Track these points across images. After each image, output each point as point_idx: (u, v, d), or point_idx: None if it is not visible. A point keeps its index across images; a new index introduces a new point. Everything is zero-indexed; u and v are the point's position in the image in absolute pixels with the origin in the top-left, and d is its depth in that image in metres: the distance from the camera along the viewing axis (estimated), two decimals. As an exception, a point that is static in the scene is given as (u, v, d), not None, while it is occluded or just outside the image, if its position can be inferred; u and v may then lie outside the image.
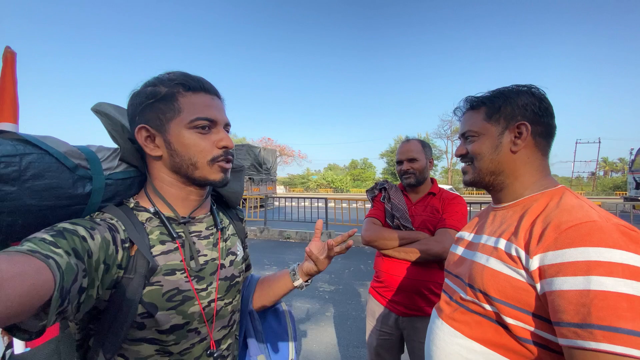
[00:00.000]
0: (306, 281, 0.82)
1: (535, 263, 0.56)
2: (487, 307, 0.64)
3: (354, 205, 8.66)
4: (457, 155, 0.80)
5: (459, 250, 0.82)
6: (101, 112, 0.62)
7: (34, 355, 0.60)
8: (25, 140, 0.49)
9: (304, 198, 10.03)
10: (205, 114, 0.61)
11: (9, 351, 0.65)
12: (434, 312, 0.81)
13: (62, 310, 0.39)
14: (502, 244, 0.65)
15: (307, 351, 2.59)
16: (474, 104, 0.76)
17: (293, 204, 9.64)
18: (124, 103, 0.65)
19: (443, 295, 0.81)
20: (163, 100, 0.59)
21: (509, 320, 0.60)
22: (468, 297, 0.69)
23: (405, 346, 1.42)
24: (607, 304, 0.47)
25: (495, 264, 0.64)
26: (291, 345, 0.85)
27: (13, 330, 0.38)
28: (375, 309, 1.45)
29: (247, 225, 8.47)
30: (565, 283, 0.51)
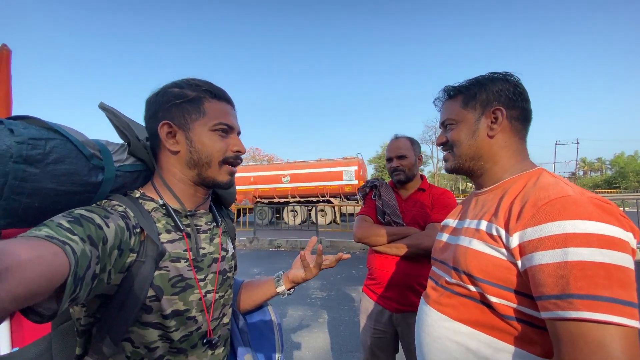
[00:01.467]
0: (289, 289, 0.87)
1: (515, 240, 0.57)
2: (472, 287, 0.65)
3: (344, 210, 8.68)
4: (437, 144, 0.82)
5: (444, 237, 0.83)
6: (108, 109, 0.65)
7: (21, 354, 0.59)
8: (49, 127, 0.52)
9: (295, 204, 9.98)
10: (226, 120, 0.67)
11: None
12: (421, 299, 0.82)
13: (75, 296, 0.40)
14: (484, 225, 0.66)
15: (301, 357, 2.52)
16: (452, 93, 0.78)
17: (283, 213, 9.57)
18: (121, 102, 0.68)
19: (429, 282, 0.81)
20: (190, 102, 0.65)
21: (492, 299, 0.61)
22: (453, 280, 0.70)
23: (400, 345, 1.41)
24: (584, 274, 0.48)
25: (477, 244, 0.65)
26: (277, 344, 0.87)
27: (27, 313, 0.39)
28: (368, 307, 1.44)
29: (236, 235, 8.39)
30: (544, 257, 0.52)
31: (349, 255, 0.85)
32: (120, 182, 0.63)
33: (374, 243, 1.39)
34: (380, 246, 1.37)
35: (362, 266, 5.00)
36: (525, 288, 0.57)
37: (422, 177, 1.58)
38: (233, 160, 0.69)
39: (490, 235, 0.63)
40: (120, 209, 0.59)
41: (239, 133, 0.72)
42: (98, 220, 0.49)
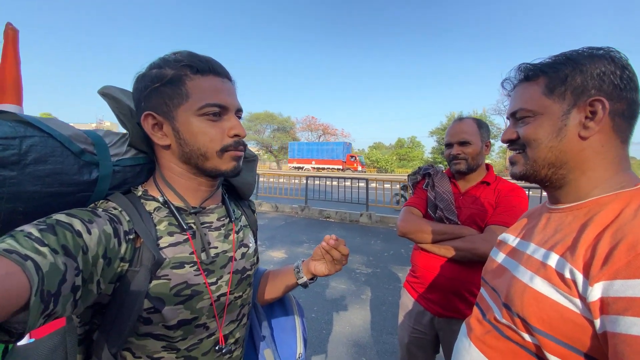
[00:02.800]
0: (311, 279, 0.78)
1: (596, 292, 0.42)
2: (527, 336, 0.51)
3: (397, 186, 8.32)
4: (504, 141, 0.63)
5: (500, 257, 0.67)
6: (108, 95, 0.59)
7: (37, 347, 0.59)
8: (27, 122, 0.46)
9: (345, 178, 9.92)
10: (215, 99, 0.56)
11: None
12: (463, 327, 0.69)
13: (50, 312, 0.37)
14: (554, 260, 0.50)
15: (339, 332, 2.60)
16: (530, 74, 0.58)
17: (334, 183, 9.63)
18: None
19: (475, 311, 0.68)
20: (169, 84, 0.55)
21: (552, 358, 0.48)
22: (504, 321, 0.56)
23: (440, 347, 1.31)
24: None
25: (541, 285, 0.50)
26: (299, 338, 0.82)
27: None
28: (408, 304, 1.34)
29: (289, 203, 8.74)
30: (636, 325, 0.38)
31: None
32: (121, 178, 0.57)
33: (420, 240, 1.24)
34: (427, 244, 1.23)
35: (412, 245, 4.83)
36: (601, 354, 0.44)
37: (487, 167, 1.33)
38: (234, 147, 0.59)
39: (562, 277, 0.47)
40: (114, 211, 0.53)
41: (238, 110, 0.61)
42: (78, 226, 0.44)
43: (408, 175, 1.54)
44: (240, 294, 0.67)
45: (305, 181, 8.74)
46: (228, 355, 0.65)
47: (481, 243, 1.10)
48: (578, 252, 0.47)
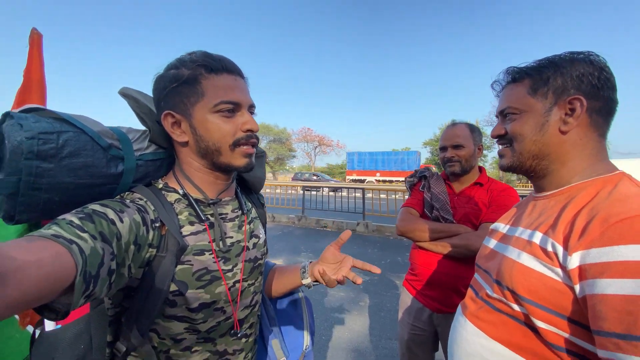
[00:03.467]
0: (315, 281, 0.81)
1: (574, 261, 0.48)
2: (516, 307, 0.57)
3: (393, 196, 8.41)
4: (493, 136, 0.70)
5: (491, 243, 0.74)
6: (128, 95, 0.64)
7: (64, 332, 0.62)
8: (62, 119, 0.50)
9: (342, 188, 9.98)
10: (229, 97, 0.59)
11: (39, 329, 0.67)
12: (458, 308, 0.75)
13: (90, 293, 0.40)
14: (538, 237, 0.57)
15: (339, 338, 2.60)
16: (517, 76, 0.66)
17: (330, 193, 9.68)
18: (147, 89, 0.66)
19: (469, 291, 0.74)
20: (186, 83, 0.58)
21: (539, 324, 0.53)
22: (495, 295, 0.62)
23: (440, 344, 1.35)
24: None
25: (527, 259, 0.56)
26: (306, 332, 0.85)
27: (41, 311, 0.39)
28: (408, 302, 1.39)
29: (285, 212, 8.69)
30: (610, 286, 0.44)
31: (378, 270, 0.77)
32: (143, 171, 0.61)
33: (418, 239, 1.30)
34: (425, 242, 1.29)
35: (408, 254, 4.87)
36: (582, 317, 0.49)
37: (480, 169, 1.41)
38: (246, 141, 0.62)
39: (545, 251, 0.54)
40: (141, 202, 0.57)
41: (251, 107, 0.64)
42: (111, 215, 0.48)
43: (405, 179, 1.61)
44: (253, 281, 0.71)
45: (302, 191, 8.78)
46: (244, 340, 0.68)
47: (475, 240, 1.16)
48: (558, 228, 0.53)
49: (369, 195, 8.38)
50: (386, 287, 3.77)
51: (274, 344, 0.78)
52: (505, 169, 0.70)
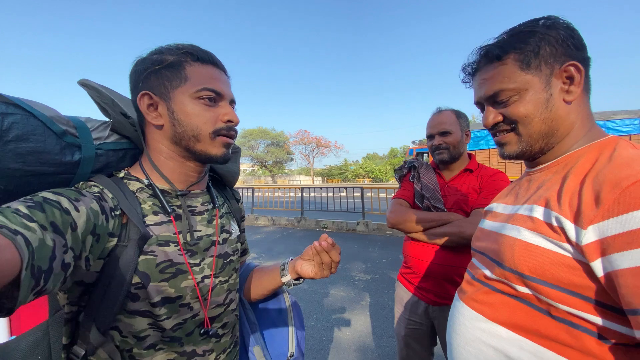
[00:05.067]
0: (296, 279, 0.77)
1: (591, 235, 0.44)
2: (519, 287, 0.53)
3: (393, 194, 8.39)
4: (489, 125, 0.62)
5: (487, 224, 0.69)
6: (89, 85, 0.61)
7: (17, 343, 0.56)
8: (9, 101, 0.47)
9: (341, 188, 9.94)
10: (212, 85, 0.59)
11: None
12: (455, 295, 0.71)
13: (41, 289, 0.37)
14: (539, 211, 0.53)
15: (340, 338, 2.55)
16: (499, 53, 0.57)
17: (329, 194, 9.65)
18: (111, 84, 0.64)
19: (466, 275, 0.70)
20: (169, 67, 0.57)
21: (549, 301, 0.49)
22: (494, 276, 0.58)
23: (437, 337, 1.30)
24: None
25: (529, 236, 0.52)
26: (291, 338, 0.80)
27: None
28: (403, 296, 1.34)
29: (285, 215, 8.66)
30: (636, 257, 0.39)
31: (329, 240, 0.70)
32: (104, 161, 0.59)
33: (409, 230, 1.26)
34: (416, 233, 1.25)
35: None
36: (598, 294, 0.45)
37: (470, 155, 1.37)
38: (226, 132, 0.61)
39: (550, 225, 0.50)
40: (96, 189, 0.54)
41: (232, 102, 0.64)
42: (65, 204, 0.45)
43: (395, 170, 1.57)
44: (226, 278, 0.68)
45: (300, 193, 8.74)
46: (215, 340, 0.64)
47: (468, 226, 1.12)
48: (563, 201, 0.49)
49: (367, 194, 8.34)
50: (387, 285, 3.72)
51: (256, 350, 0.74)
52: (512, 157, 0.62)
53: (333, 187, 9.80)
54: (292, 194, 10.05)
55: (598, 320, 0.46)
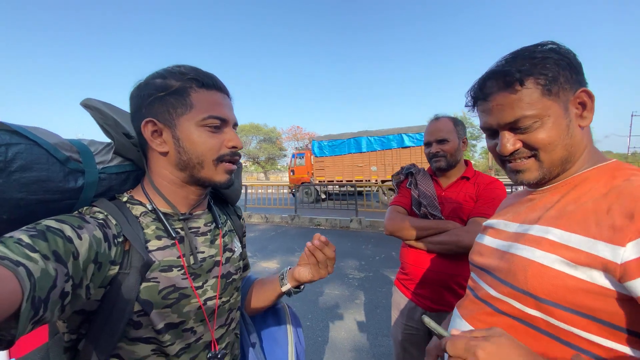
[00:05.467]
0: (296, 287, 0.77)
1: (631, 253, 0.43)
2: (529, 310, 0.53)
3: (385, 191, 8.44)
4: (507, 152, 0.59)
5: (489, 240, 0.69)
6: (91, 106, 0.60)
7: None
8: (12, 130, 0.47)
9: (334, 185, 9.97)
10: (218, 112, 0.59)
11: None
12: (455, 310, 0.71)
13: (39, 318, 0.37)
14: (556, 234, 0.53)
15: (335, 338, 2.58)
16: (520, 78, 0.55)
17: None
18: (114, 100, 0.64)
19: (467, 292, 0.70)
20: (175, 94, 0.57)
21: (564, 327, 0.49)
22: (499, 295, 0.58)
23: (434, 342, 1.33)
24: None
25: (544, 257, 0.53)
26: (291, 351, 0.81)
27: None
28: (400, 301, 1.36)
29: (278, 212, 8.65)
30: None
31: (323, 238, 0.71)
32: (106, 185, 0.58)
33: (407, 237, 1.28)
34: (414, 241, 1.26)
35: (403, 248, 4.92)
36: (608, 315, 0.46)
37: (466, 163, 1.39)
38: (230, 158, 0.62)
39: (567, 248, 0.50)
40: (101, 216, 0.54)
41: (235, 125, 0.64)
42: (68, 232, 0.44)
43: (392, 176, 1.58)
44: (228, 298, 0.68)
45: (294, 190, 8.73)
46: None
47: (465, 235, 1.14)
48: (587, 222, 0.50)
49: (360, 190, 8.39)
50: (381, 283, 3.77)
51: None
52: (530, 184, 0.62)
53: (327, 184, 9.81)
54: (285, 191, 10.03)
55: (614, 345, 0.46)
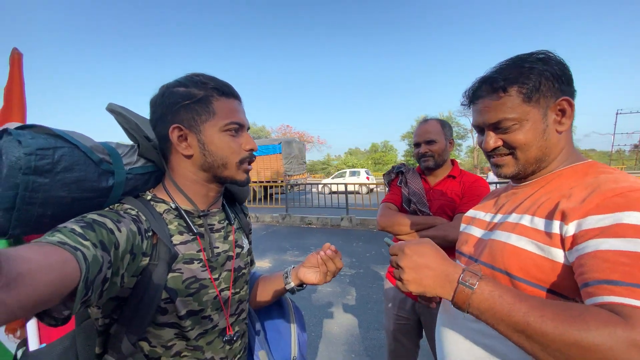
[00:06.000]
0: (299, 286, 0.83)
1: (572, 228, 0.52)
2: None
3: (375, 189, 8.57)
4: (489, 150, 0.68)
5: (473, 230, 0.78)
6: (116, 111, 0.65)
7: (49, 351, 0.62)
8: (57, 135, 0.52)
9: (325, 184, 10.03)
10: (237, 119, 0.66)
11: (21, 349, 0.66)
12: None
13: (86, 299, 0.41)
14: (526, 219, 0.61)
15: (328, 333, 2.65)
16: (504, 86, 0.63)
17: (314, 189, 9.72)
18: (126, 103, 0.68)
19: None
20: (199, 102, 0.62)
21: None
22: None
23: (423, 331, 1.41)
24: None
25: (517, 240, 0.61)
26: (294, 342, 0.87)
27: (42, 316, 0.40)
28: (391, 293, 1.44)
29: (269, 212, 8.64)
30: (604, 244, 0.47)
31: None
32: (132, 184, 0.63)
33: (397, 232, 1.36)
34: (404, 236, 1.34)
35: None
36: (566, 289, 0.53)
37: (453, 162, 1.48)
38: (249, 160, 0.69)
39: (535, 230, 0.58)
40: (133, 212, 0.59)
41: (248, 128, 0.71)
42: (110, 224, 0.49)
43: (383, 175, 1.66)
44: (238, 290, 0.73)
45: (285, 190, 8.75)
46: (229, 347, 0.70)
47: (451, 230, 1.23)
48: (549, 206, 0.58)
49: (351, 189, 8.50)
50: (372, 279, 3.87)
51: (261, 355, 0.80)
52: (507, 177, 0.71)
53: (317, 184, 9.87)
54: (275, 190, 10.03)
55: None
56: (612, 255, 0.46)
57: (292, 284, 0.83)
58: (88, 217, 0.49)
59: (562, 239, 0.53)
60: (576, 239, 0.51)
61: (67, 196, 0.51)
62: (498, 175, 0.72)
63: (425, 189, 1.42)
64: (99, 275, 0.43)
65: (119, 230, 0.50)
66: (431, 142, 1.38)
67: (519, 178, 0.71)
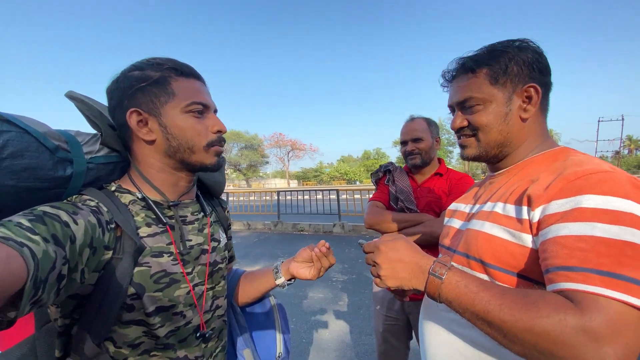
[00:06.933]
0: (289, 280, 0.81)
1: (537, 215, 0.52)
2: (479, 274, 0.61)
3: (367, 195, 8.58)
4: (456, 128, 0.70)
5: (454, 222, 0.77)
6: (77, 98, 0.61)
7: (4, 358, 0.57)
8: (3, 118, 0.47)
9: (317, 191, 10.02)
10: (199, 98, 0.62)
11: None
12: None
13: (37, 299, 0.37)
14: (499, 207, 0.61)
15: (320, 339, 2.60)
16: (473, 66, 0.65)
17: (306, 197, 9.68)
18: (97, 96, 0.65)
19: None
20: (156, 84, 0.59)
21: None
22: (459, 267, 0.65)
23: (413, 332, 1.39)
24: (609, 251, 0.43)
25: (490, 227, 0.60)
26: (279, 339, 0.85)
27: None
28: (380, 294, 1.42)
29: (261, 219, 8.56)
30: (564, 229, 0.47)
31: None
32: (94, 175, 0.59)
33: (385, 230, 1.34)
34: (392, 233, 1.33)
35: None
36: (537, 274, 0.53)
37: (439, 160, 1.49)
38: (218, 142, 0.65)
39: (507, 217, 0.58)
40: (92, 203, 0.55)
41: (215, 111, 0.67)
42: (65, 217, 0.45)
43: (371, 174, 1.66)
44: (214, 285, 0.70)
45: (277, 197, 8.70)
46: (204, 345, 0.66)
47: (438, 226, 1.22)
48: (518, 194, 0.58)
49: (343, 196, 8.48)
50: (364, 285, 3.82)
51: (246, 353, 0.77)
52: (469, 159, 0.71)
53: (309, 190, 9.85)
54: (267, 198, 9.96)
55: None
56: (570, 240, 0.46)
57: (283, 279, 0.80)
58: (38, 209, 0.45)
59: (530, 224, 0.53)
60: (540, 224, 0.51)
61: (15, 185, 0.47)
62: (462, 157, 0.73)
63: (413, 186, 1.42)
64: (52, 272, 0.39)
65: (75, 223, 0.46)
66: (418, 139, 1.38)
67: (483, 161, 0.71)
